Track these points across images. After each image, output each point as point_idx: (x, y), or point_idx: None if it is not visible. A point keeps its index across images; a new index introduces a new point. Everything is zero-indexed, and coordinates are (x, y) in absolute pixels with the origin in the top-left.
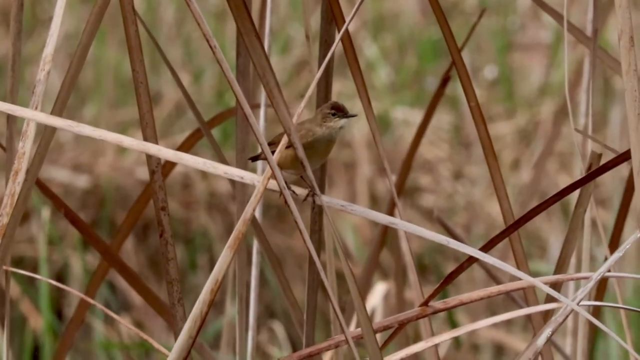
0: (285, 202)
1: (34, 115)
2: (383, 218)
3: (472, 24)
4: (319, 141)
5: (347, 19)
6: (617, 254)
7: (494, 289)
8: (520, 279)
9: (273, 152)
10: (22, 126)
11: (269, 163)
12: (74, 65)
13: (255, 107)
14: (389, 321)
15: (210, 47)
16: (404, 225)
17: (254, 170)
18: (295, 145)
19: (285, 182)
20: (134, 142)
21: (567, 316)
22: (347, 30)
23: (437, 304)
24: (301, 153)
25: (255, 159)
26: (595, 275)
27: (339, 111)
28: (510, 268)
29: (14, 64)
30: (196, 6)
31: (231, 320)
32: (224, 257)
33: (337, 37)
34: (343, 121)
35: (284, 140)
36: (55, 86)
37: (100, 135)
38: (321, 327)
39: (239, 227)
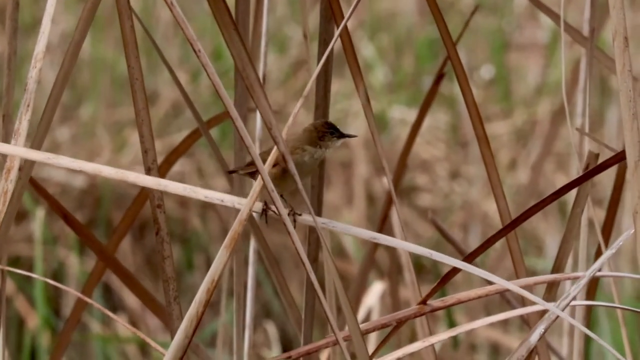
0: (266, 221)
1: (13, 150)
2: (364, 233)
3: (466, 20)
4: (313, 159)
5: (347, 17)
6: (609, 252)
7: (492, 287)
8: (516, 279)
9: (254, 172)
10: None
11: (260, 174)
12: (66, 62)
13: (251, 111)
14: (386, 319)
15: (194, 51)
16: (386, 239)
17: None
18: (276, 139)
19: (266, 203)
20: (112, 171)
21: (557, 316)
22: (346, 28)
23: (435, 302)
24: (291, 165)
25: (234, 172)
26: (588, 273)
27: (336, 130)
28: (487, 274)
29: (10, 63)
30: (179, 10)
31: (227, 320)
32: (220, 257)
33: (336, 33)
34: (341, 140)
35: (272, 156)
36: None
37: (79, 166)
38: (319, 325)
39: (235, 227)
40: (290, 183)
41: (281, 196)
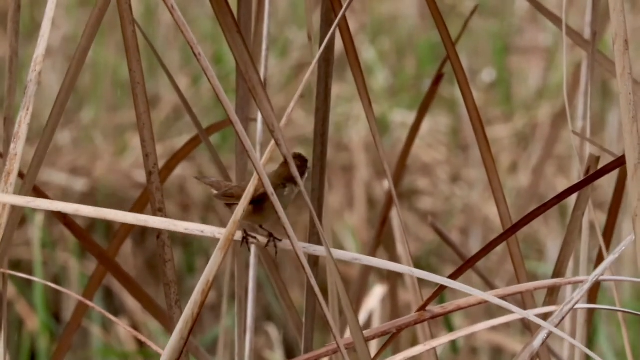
0: (249, 248)
1: None
2: (345, 255)
3: (465, 21)
4: (293, 194)
5: (347, 19)
6: (611, 257)
7: (492, 293)
8: (517, 283)
9: (231, 205)
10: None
11: (257, 171)
12: (72, 68)
13: (252, 120)
14: (386, 327)
15: (195, 54)
16: (368, 260)
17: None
18: (278, 142)
19: (245, 231)
20: (91, 210)
21: (562, 318)
22: (348, 30)
23: (435, 308)
24: (293, 170)
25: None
26: (590, 279)
27: (306, 163)
28: (470, 289)
29: (12, 65)
30: (179, 13)
31: (228, 324)
32: (215, 258)
33: (331, 30)
34: (306, 175)
35: (250, 188)
36: (54, 89)
37: (57, 207)
38: (320, 328)
39: (229, 228)
40: (268, 215)
41: (260, 226)
